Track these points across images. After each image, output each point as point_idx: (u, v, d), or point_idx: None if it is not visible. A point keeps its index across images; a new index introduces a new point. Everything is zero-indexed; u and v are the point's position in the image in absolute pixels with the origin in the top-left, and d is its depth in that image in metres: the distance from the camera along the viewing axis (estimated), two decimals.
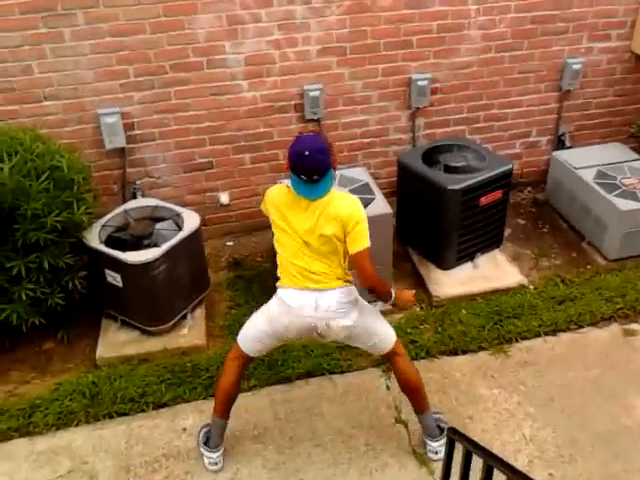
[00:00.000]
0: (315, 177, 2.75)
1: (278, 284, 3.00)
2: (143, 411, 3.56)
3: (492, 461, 2.11)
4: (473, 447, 2.27)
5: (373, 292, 3.00)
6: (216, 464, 3.24)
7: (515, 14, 4.63)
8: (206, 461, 3.25)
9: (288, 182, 2.89)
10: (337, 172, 4.27)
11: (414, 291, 3.18)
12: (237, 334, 3.18)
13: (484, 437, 3.38)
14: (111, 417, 3.53)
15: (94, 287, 3.93)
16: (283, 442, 3.40)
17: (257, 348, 3.12)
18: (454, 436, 2.43)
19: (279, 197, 2.92)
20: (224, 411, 3.20)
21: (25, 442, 3.42)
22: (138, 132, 4.39)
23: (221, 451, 3.24)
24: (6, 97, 4.08)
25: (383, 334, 3.13)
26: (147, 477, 3.25)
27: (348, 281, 2.97)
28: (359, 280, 2.92)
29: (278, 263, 3.00)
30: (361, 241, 2.82)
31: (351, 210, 2.82)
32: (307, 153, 2.71)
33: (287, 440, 3.41)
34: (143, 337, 3.93)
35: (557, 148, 5.19)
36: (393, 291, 3.04)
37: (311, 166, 2.73)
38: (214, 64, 4.31)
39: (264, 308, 3.07)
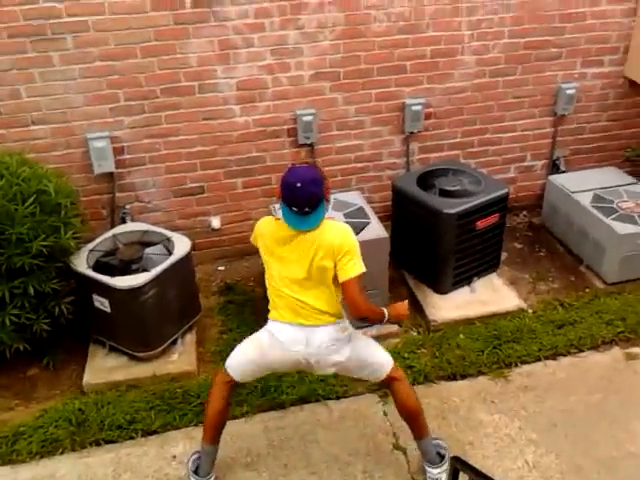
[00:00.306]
0: (307, 209, 2.71)
1: (269, 315, 2.95)
2: (132, 438, 3.45)
3: None
4: (477, 477, 2.15)
5: (365, 320, 2.94)
6: None
7: (509, 39, 4.64)
8: None
9: (279, 213, 2.85)
10: (331, 196, 4.22)
11: (406, 301, 3.09)
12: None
13: (485, 464, 3.27)
14: (98, 445, 3.42)
15: (82, 312, 3.83)
16: (277, 470, 3.28)
17: (246, 374, 3.06)
18: (458, 465, 2.32)
19: (268, 229, 2.88)
20: (213, 437, 3.09)
21: (7, 470, 3.30)
22: (128, 156, 4.34)
23: (212, 479, 3.11)
24: None
25: (377, 364, 3.05)
26: None
27: (341, 317, 2.92)
28: (349, 310, 2.85)
29: (268, 294, 2.95)
30: (351, 270, 2.75)
31: (342, 239, 2.77)
32: (299, 185, 2.68)
33: (281, 468, 3.29)
34: (132, 363, 3.82)
35: (552, 172, 5.16)
36: (385, 310, 2.95)
37: (303, 198, 2.69)
38: (206, 89, 4.29)
39: (255, 336, 3.01)
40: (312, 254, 2.76)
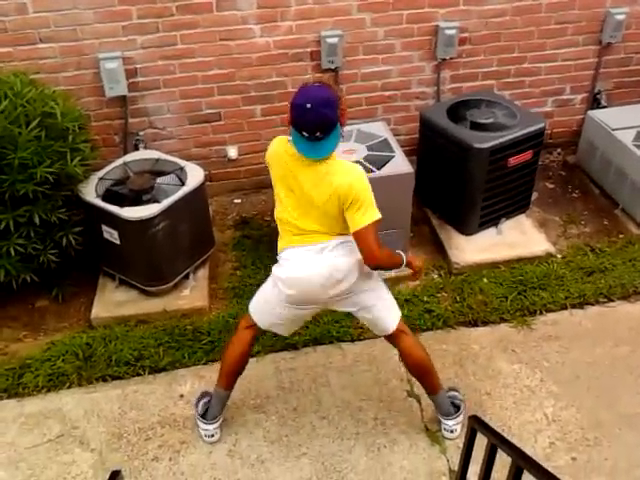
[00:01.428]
0: (318, 134, 2.44)
1: (278, 248, 2.76)
2: (139, 375, 3.38)
3: (522, 461, 1.85)
4: (499, 441, 2.01)
5: (380, 269, 2.74)
6: (212, 436, 3.05)
7: None
8: (202, 433, 3.05)
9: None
10: (354, 127, 4.00)
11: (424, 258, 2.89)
12: (247, 298, 3.03)
13: (503, 415, 3.18)
14: (105, 380, 3.36)
15: (91, 243, 3.72)
16: (286, 413, 3.21)
17: (264, 319, 2.89)
18: (476, 425, 2.18)
19: (281, 150, 2.62)
20: (228, 382, 3.00)
21: (14, 404, 3.26)
22: (141, 79, 4.11)
23: (219, 423, 3.05)
24: None
25: (387, 307, 2.89)
26: (140, 445, 3.07)
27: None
28: (364, 259, 2.61)
29: (277, 225, 2.75)
30: (360, 220, 2.51)
31: (349, 186, 2.49)
32: (309, 106, 2.38)
33: (290, 411, 3.22)
34: (142, 297, 3.73)
35: (592, 107, 4.84)
36: (403, 255, 2.76)
37: (314, 121, 2.41)
38: (224, 6, 3.99)
39: (270, 278, 2.86)
40: (321, 189, 2.53)
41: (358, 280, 2.71)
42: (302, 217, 2.63)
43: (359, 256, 2.62)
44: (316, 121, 2.42)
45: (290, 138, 2.58)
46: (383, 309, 2.87)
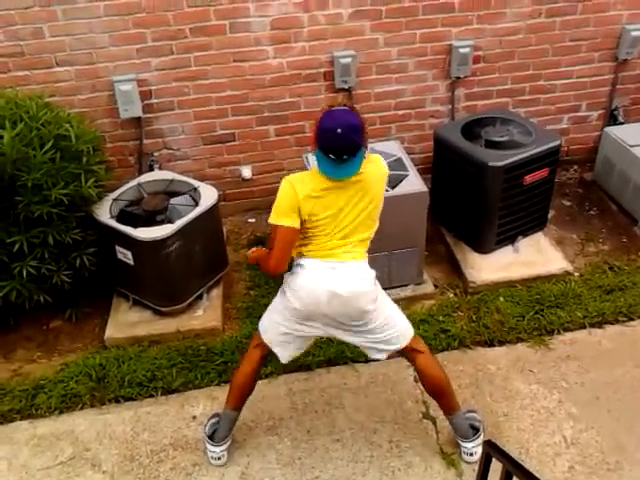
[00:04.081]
0: (345, 157, 2.50)
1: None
2: (152, 396, 3.37)
3: None
4: (515, 468, 1.96)
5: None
6: (219, 459, 3.01)
7: None
8: (209, 455, 3.02)
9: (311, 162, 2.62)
10: (368, 146, 3.97)
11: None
12: (260, 318, 2.96)
13: (520, 438, 3.11)
14: (118, 402, 3.35)
15: (105, 264, 3.73)
16: (299, 435, 3.16)
17: (273, 336, 2.86)
18: (491, 451, 2.13)
19: (310, 185, 2.60)
20: (237, 402, 2.97)
21: (27, 425, 3.26)
22: (155, 101, 4.15)
23: (226, 445, 3.01)
24: (15, 62, 3.87)
25: (400, 327, 2.85)
26: (152, 467, 3.04)
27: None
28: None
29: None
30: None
31: (384, 169, 2.71)
32: (340, 131, 2.45)
33: (304, 433, 3.17)
34: (155, 317, 3.72)
35: (609, 124, 4.79)
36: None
37: (343, 146, 2.48)
38: (237, 28, 4.03)
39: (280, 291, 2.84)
40: (357, 199, 2.60)
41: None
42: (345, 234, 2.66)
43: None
44: (345, 146, 2.49)
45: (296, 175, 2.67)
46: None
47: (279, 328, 2.82)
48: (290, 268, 2.74)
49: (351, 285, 2.64)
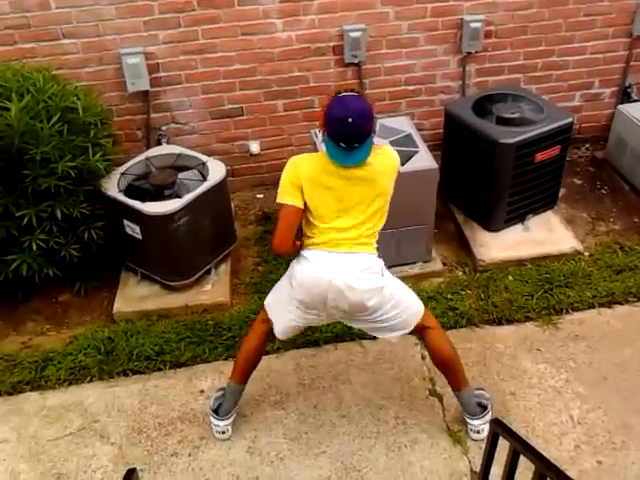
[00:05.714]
0: (356, 145, 2.51)
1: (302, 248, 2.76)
2: (159, 370, 3.38)
3: (546, 469, 1.79)
4: (522, 447, 1.96)
5: None
6: (223, 433, 3.03)
7: None
8: (213, 429, 3.04)
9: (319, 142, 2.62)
10: (378, 121, 3.93)
11: None
12: (265, 293, 2.99)
13: (527, 416, 3.11)
14: (126, 375, 3.37)
15: (113, 238, 3.73)
16: (306, 410, 3.18)
17: (279, 315, 2.87)
18: (498, 429, 2.12)
19: (314, 167, 2.63)
20: (242, 376, 2.98)
21: (36, 396, 3.29)
22: (163, 74, 4.10)
23: (231, 419, 3.02)
24: (21, 34, 3.83)
25: (411, 306, 2.85)
26: (160, 440, 3.07)
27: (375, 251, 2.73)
28: None
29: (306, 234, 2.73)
30: None
31: (396, 161, 2.71)
32: (351, 120, 2.45)
33: (311, 408, 3.19)
34: (164, 292, 3.73)
35: (622, 101, 4.72)
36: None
37: (353, 134, 2.49)
38: (246, 1, 3.96)
39: (288, 271, 2.85)
40: (365, 189, 2.60)
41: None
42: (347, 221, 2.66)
43: None
44: (356, 134, 2.50)
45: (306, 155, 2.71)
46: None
47: (286, 315, 2.83)
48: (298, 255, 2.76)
49: (354, 278, 2.63)
